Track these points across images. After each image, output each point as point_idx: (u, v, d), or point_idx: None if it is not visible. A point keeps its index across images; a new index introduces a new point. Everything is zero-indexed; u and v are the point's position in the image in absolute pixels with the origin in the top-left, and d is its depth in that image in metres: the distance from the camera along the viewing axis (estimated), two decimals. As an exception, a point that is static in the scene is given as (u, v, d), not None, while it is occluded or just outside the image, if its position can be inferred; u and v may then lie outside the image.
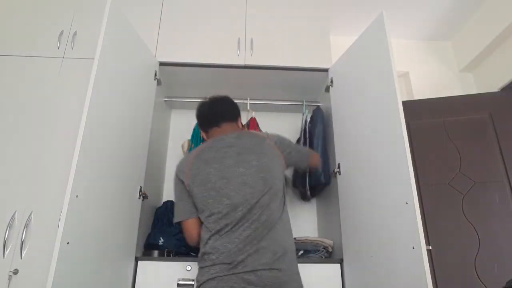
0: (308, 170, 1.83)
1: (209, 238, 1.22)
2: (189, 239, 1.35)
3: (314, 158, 1.64)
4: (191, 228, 1.32)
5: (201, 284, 1.18)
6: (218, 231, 1.21)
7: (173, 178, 1.40)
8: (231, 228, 1.20)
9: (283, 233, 1.25)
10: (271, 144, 1.39)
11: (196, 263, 1.57)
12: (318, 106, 2.15)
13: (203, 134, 1.53)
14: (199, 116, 1.53)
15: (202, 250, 1.25)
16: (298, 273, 1.24)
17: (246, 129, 2.05)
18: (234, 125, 1.49)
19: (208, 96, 1.55)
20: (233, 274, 1.13)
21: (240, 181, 1.26)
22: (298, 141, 2.15)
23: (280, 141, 1.44)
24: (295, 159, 1.49)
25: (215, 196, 1.25)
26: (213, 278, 1.15)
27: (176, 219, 1.36)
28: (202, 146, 1.41)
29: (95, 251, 1.28)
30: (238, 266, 1.14)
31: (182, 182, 1.34)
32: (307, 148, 1.62)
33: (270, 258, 1.16)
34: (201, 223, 1.31)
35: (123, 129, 1.52)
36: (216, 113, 1.48)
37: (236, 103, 1.56)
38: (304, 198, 2.09)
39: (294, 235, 1.95)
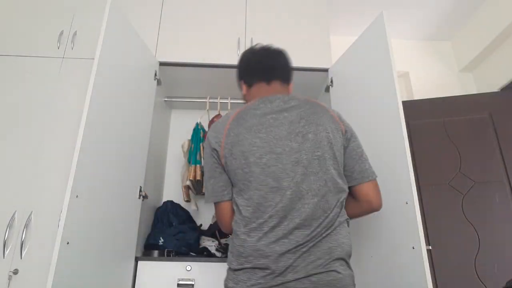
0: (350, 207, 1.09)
1: (248, 234, 0.95)
2: (222, 226, 1.08)
3: (373, 186, 1.07)
4: (224, 213, 1.05)
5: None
6: (260, 225, 0.94)
7: (205, 147, 1.11)
8: (277, 223, 0.93)
9: (344, 233, 0.99)
10: (334, 117, 1.08)
11: (196, 263, 1.58)
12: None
13: (243, 88, 1.21)
14: (244, 62, 1.21)
15: (236, 245, 0.96)
16: (353, 277, 0.97)
17: None
18: (286, 88, 1.20)
19: (259, 44, 1.23)
20: (281, 284, 0.89)
21: (293, 159, 0.98)
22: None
23: (348, 125, 1.12)
24: (353, 163, 1.07)
25: (259, 175, 0.97)
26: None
27: (207, 200, 1.08)
28: (243, 107, 1.09)
29: (95, 251, 1.28)
30: (287, 273, 0.89)
31: (216, 153, 1.04)
32: (370, 167, 1.09)
33: (326, 260, 0.91)
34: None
35: (123, 129, 1.52)
36: (268, 65, 1.17)
37: (292, 65, 1.27)
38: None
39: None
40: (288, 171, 0.97)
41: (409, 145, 1.28)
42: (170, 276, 1.55)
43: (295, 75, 2.10)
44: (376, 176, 1.09)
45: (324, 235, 0.94)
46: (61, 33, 1.99)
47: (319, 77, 2.08)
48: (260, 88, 1.15)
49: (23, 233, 1.58)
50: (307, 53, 2.06)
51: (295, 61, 2.04)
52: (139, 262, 1.58)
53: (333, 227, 0.96)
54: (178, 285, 1.52)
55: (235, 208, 1.03)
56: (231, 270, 0.98)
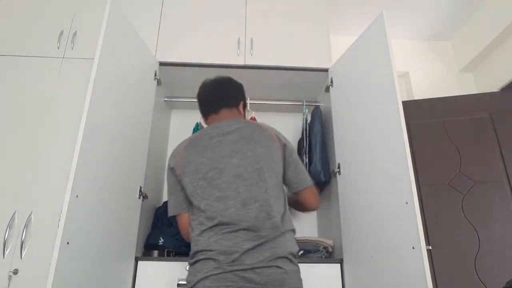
0: (294, 205, 1.34)
1: (201, 234, 1.11)
2: (183, 234, 1.25)
3: (309, 192, 1.28)
4: (184, 223, 1.22)
5: (194, 285, 1.07)
6: (211, 227, 1.10)
7: (165, 169, 1.30)
8: (226, 224, 1.09)
9: (287, 235, 1.14)
10: (271, 135, 1.25)
11: (196, 263, 1.58)
12: (317, 106, 2.16)
13: (203, 121, 1.40)
14: (198, 100, 1.39)
15: (194, 247, 1.12)
16: (298, 271, 1.14)
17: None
18: (234, 111, 1.35)
19: (209, 78, 1.40)
20: (230, 272, 1.03)
21: (234, 173, 1.15)
22: (300, 142, 2.15)
23: (285, 141, 1.27)
24: (290, 174, 1.26)
25: (205, 187, 1.15)
26: (207, 277, 1.04)
27: (169, 213, 1.26)
28: (196, 133, 1.30)
29: (95, 251, 1.28)
30: (235, 264, 1.04)
31: (174, 172, 1.24)
32: (306, 176, 1.29)
33: (269, 257, 1.06)
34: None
35: (123, 129, 1.52)
36: (215, 98, 1.34)
37: (240, 84, 1.41)
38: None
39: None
40: (230, 183, 1.14)
41: (409, 145, 1.27)
42: (170, 276, 1.55)
43: (295, 75, 2.13)
44: (311, 183, 1.29)
45: (270, 237, 1.08)
46: (61, 33, 1.99)
47: (319, 77, 2.08)
48: (213, 119, 1.33)
49: (23, 233, 1.58)
50: (307, 53, 2.06)
51: (295, 61, 2.07)
52: (139, 262, 1.58)
53: (279, 231, 1.11)
54: (178, 285, 1.52)
55: (192, 217, 1.19)
56: (189, 265, 1.13)
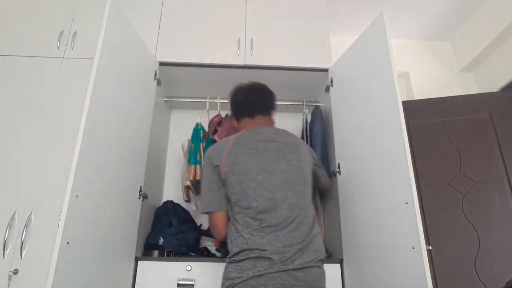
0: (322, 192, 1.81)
1: (252, 234, 1.15)
2: (217, 233, 1.27)
3: (329, 182, 1.71)
4: (221, 222, 1.25)
5: (243, 281, 1.09)
6: (262, 228, 1.16)
7: (204, 164, 1.33)
8: (276, 226, 1.16)
9: (319, 238, 1.25)
10: (306, 149, 1.40)
11: (196, 263, 1.58)
12: (317, 106, 2.16)
13: (233, 122, 1.48)
14: (234, 102, 1.46)
15: (239, 246, 1.15)
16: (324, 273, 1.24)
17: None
18: (268, 118, 1.44)
19: (245, 82, 1.50)
20: (283, 271, 1.09)
21: (282, 178, 1.23)
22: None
23: (311, 151, 1.47)
24: (319, 174, 1.51)
25: (256, 188, 1.20)
26: (260, 275, 1.08)
27: (204, 210, 1.27)
28: (238, 135, 1.34)
29: (95, 251, 1.28)
30: (288, 263, 1.11)
31: (218, 169, 1.26)
32: (327, 176, 1.64)
33: (314, 259, 1.16)
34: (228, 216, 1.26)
35: (123, 129, 1.52)
36: (251, 104, 1.42)
37: (273, 94, 1.51)
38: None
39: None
40: (280, 186, 1.22)
41: (409, 145, 1.27)
42: (170, 276, 1.55)
43: (295, 75, 2.13)
44: (328, 179, 1.71)
45: (311, 240, 1.19)
46: (61, 33, 1.99)
47: (319, 77, 2.08)
48: (246, 122, 1.41)
49: (23, 233, 1.58)
50: (307, 53, 2.06)
51: (295, 61, 2.07)
52: (139, 262, 1.58)
53: (313, 234, 1.21)
54: (178, 285, 1.52)
55: (234, 216, 1.22)
56: (231, 262, 1.15)
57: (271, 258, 1.10)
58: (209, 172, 1.28)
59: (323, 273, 1.20)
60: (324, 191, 1.81)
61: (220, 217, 1.25)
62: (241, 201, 1.20)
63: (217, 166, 1.26)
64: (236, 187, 1.21)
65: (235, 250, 1.16)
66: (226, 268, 1.18)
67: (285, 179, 1.23)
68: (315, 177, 1.44)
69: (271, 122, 1.46)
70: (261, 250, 1.12)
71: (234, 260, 1.15)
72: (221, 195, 1.25)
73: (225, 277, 1.15)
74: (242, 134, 1.33)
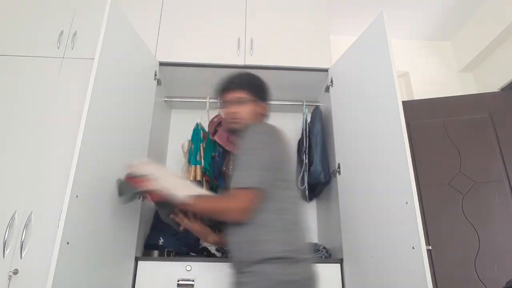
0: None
1: (299, 229, 1.14)
2: (246, 213, 1.07)
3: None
4: (258, 202, 1.08)
5: (311, 277, 1.09)
6: (300, 228, 1.15)
7: (271, 141, 1.17)
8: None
9: None
10: None
11: (196, 263, 1.58)
12: (317, 106, 2.16)
13: (262, 108, 1.35)
14: (263, 84, 1.40)
15: (301, 239, 1.12)
16: None
17: None
18: None
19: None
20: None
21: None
22: (300, 142, 2.15)
23: None
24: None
25: (292, 179, 1.25)
26: (314, 276, 1.11)
27: (254, 183, 1.08)
28: (273, 126, 1.22)
29: (95, 251, 1.28)
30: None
31: (281, 151, 1.18)
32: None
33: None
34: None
35: (123, 129, 1.52)
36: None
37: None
38: (303, 198, 2.09)
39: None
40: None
41: (409, 145, 1.27)
42: (170, 276, 1.55)
43: (295, 75, 2.13)
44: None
45: None
46: (61, 33, 1.99)
47: (319, 77, 2.08)
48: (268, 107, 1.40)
49: (23, 233, 1.58)
50: (307, 53, 2.06)
51: (295, 61, 2.07)
52: (139, 262, 1.58)
53: None
54: (178, 285, 1.52)
55: (274, 205, 1.11)
56: (293, 261, 1.05)
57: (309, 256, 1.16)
58: (275, 150, 1.16)
59: None
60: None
61: (261, 197, 1.11)
62: (289, 193, 1.18)
63: (280, 148, 1.19)
64: (289, 175, 1.21)
65: (292, 245, 1.08)
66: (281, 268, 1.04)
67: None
68: None
69: None
70: (307, 251, 1.16)
71: (301, 257, 1.09)
72: (273, 176, 1.14)
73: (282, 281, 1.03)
74: (276, 127, 1.23)
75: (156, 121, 1.94)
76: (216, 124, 2.03)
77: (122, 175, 1.27)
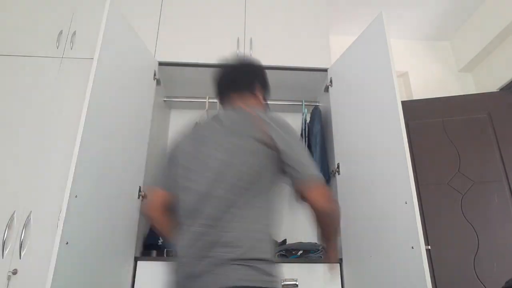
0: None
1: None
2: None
3: (313, 192, 1.02)
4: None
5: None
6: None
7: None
8: None
9: None
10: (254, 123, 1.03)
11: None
12: (316, 106, 2.16)
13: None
14: (213, 81, 1.26)
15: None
16: None
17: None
18: (247, 97, 1.15)
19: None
20: None
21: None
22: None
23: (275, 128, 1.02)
24: (286, 169, 1.04)
25: None
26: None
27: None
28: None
29: (95, 251, 1.27)
30: None
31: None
32: (312, 170, 1.01)
33: None
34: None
35: (122, 129, 1.52)
36: (227, 81, 1.21)
37: (259, 67, 1.26)
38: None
39: (292, 236, 1.94)
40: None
41: (409, 145, 1.28)
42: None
43: (295, 75, 2.13)
44: (318, 179, 1.09)
45: None
46: (60, 33, 1.99)
47: (319, 77, 2.08)
48: (224, 106, 1.24)
49: (22, 233, 1.58)
50: (307, 53, 2.06)
51: (295, 61, 2.07)
52: (138, 262, 1.57)
53: None
54: (178, 285, 1.52)
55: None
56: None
57: None
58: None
59: None
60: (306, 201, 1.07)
61: None
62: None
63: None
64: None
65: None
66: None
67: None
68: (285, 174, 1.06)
69: (257, 102, 1.18)
70: None
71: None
72: None
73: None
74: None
75: (155, 121, 1.93)
76: (216, 124, 2.03)
77: (121, 175, 1.26)
